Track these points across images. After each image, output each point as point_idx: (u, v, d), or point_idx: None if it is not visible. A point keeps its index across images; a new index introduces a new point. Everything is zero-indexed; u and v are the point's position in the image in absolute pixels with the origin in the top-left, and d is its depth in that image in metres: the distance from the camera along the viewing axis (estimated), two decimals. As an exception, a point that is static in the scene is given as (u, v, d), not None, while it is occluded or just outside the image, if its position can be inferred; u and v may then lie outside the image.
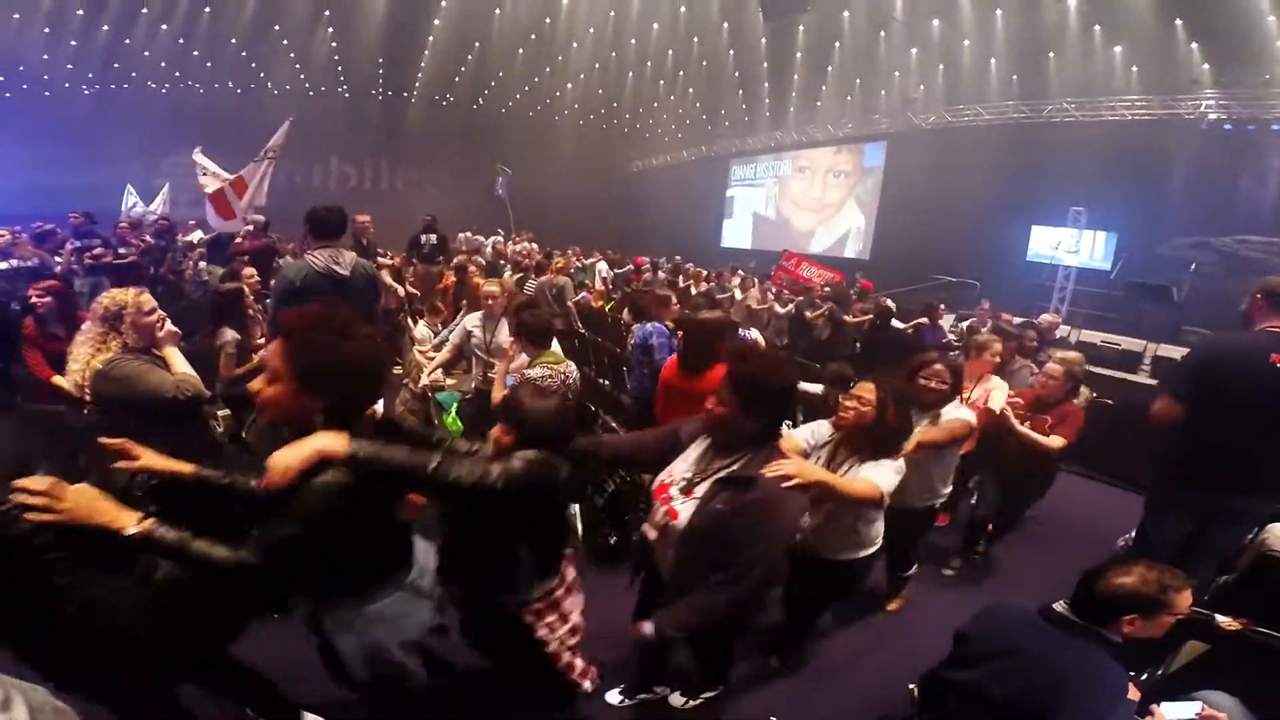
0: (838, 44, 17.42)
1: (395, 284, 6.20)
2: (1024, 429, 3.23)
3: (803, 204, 19.45)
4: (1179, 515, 2.64)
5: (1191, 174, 11.81)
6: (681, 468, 1.87)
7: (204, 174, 7.90)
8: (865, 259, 16.49)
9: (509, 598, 1.79)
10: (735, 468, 1.73)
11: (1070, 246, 10.90)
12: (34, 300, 3.59)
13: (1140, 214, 11.47)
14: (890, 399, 2.23)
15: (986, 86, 14.95)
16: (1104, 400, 5.06)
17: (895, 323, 6.96)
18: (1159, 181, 12.00)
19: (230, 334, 3.63)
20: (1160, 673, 2.19)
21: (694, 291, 8.64)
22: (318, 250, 3.29)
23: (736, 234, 21.55)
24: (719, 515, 1.66)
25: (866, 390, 2.28)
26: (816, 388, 3.88)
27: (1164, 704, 1.61)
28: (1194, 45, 11.91)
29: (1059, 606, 1.62)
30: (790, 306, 7.87)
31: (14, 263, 5.25)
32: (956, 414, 2.83)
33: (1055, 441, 3.21)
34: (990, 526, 3.76)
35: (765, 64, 19.21)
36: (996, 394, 3.35)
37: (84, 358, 2.44)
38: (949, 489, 2.99)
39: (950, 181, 14.26)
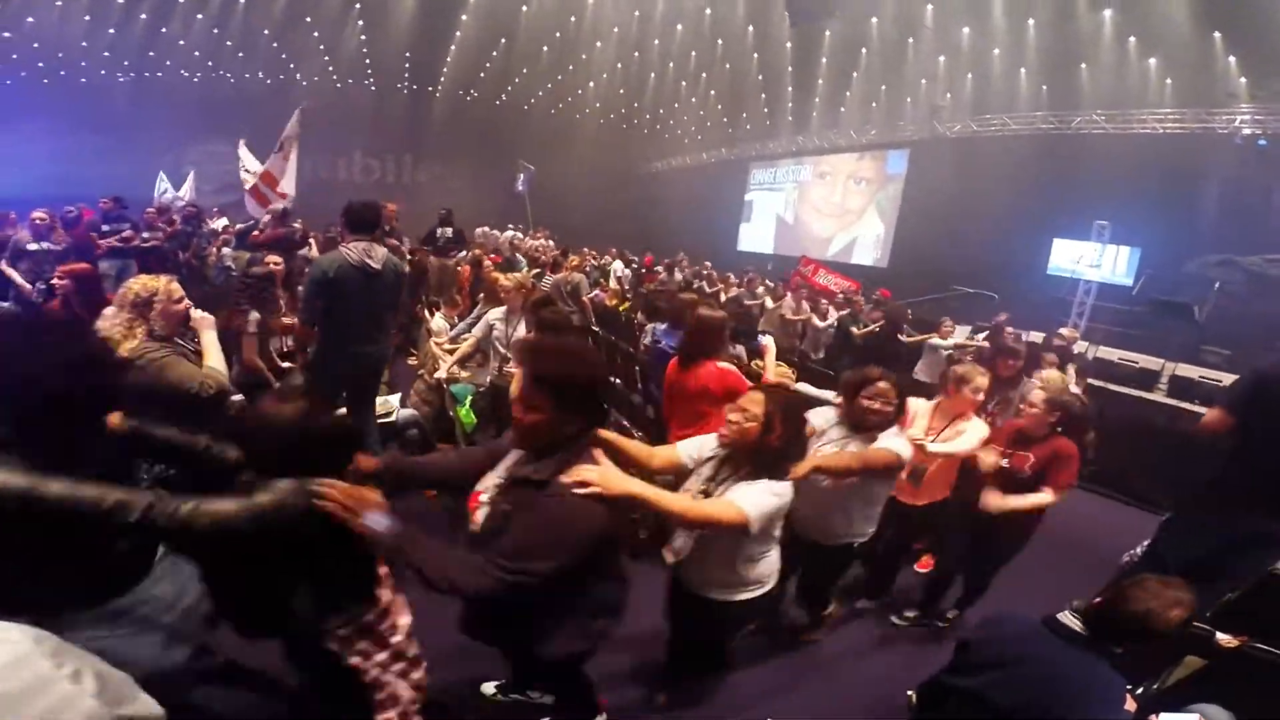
0: (864, 50, 17.28)
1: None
2: (1011, 501, 2.67)
3: (822, 209, 19.34)
4: (1202, 538, 2.59)
5: (1223, 190, 11.56)
6: (493, 476, 1.71)
7: (245, 170, 8.12)
8: (883, 267, 16.38)
9: (303, 628, 1.58)
10: (529, 470, 1.57)
11: (1092, 261, 10.72)
12: (54, 283, 3.70)
13: (1166, 230, 11.25)
14: (779, 413, 1.91)
15: (1015, 96, 14.74)
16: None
17: (901, 337, 7.00)
18: (1188, 197, 11.75)
19: (254, 315, 3.71)
20: (1157, 686, 2.19)
21: (723, 298, 8.70)
22: (352, 244, 3.36)
23: (754, 238, 21.47)
24: (503, 515, 1.55)
25: (753, 402, 1.94)
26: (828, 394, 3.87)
27: (1162, 715, 1.64)
28: (1232, 58, 11.64)
29: (1065, 618, 1.62)
30: (833, 319, 7.77)
31: (44, 245, 5.39)
32: (887, 442, 2.44)
33: (1043, 499, 2.70)
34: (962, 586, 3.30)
35: (790, 68, 19.10)
36: (967, 437, 2.79)
37: (112, 344, 2.42)
38: (872, 528, 2.65)
39: (973, 191, 14.10)
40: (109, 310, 2.55)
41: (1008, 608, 1.84)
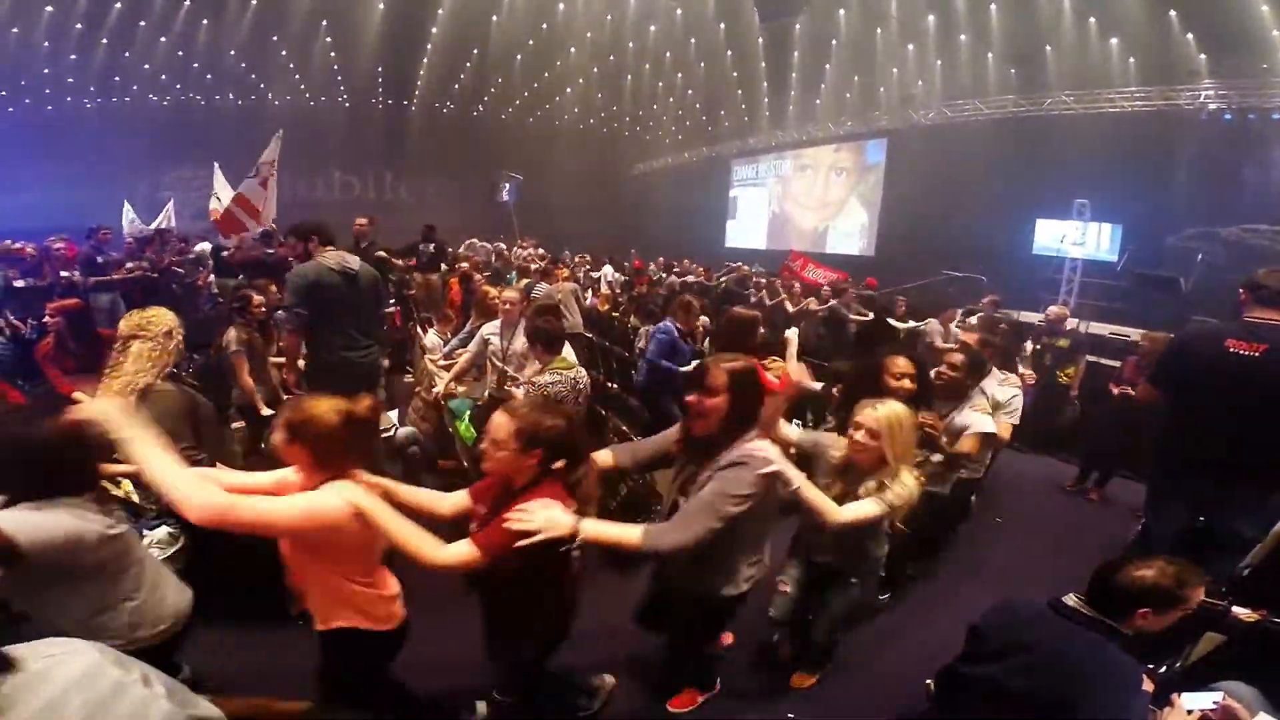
0: (834, 42, 17.41)
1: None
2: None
3: (805, 203, 19.44)
4: (1175, 506, 2.66)
5: (1195, 165, 11.75)
6: None
7: (215, 197, 8.01)
8: (870, 255, 16.49)
9: None
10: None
11: (1075, 239, 10.88)
12: (46, 321, 3.63)
13: (1145, 205, 11.43)
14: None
15: (985, 81, 14.92)
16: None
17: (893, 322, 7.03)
18: (1163, 173, 11.95)
19: (232, 332, 3.72)
20: (1179, 664, 2.19)
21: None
22: (327, 253, 3.54)
23: (740, 234, 21.54)
24: None
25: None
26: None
27: (1184, 694, 1.63)
28: (1189, 36, 11.86)
29: (1070, 600, 1.64)
30: (823, 308, 7.89)
31: (31, 281, 5.28)
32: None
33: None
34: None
35: (763, 64, 19.20)
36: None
37: (132, 368, 2.47)
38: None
39: (953, 176, 14.24)
40: (133, 344, 2.51)
41: (1018, 590, 1.88)
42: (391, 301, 6.52)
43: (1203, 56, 11.80)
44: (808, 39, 17.98)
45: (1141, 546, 2.84)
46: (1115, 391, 4.72)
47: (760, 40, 18.65)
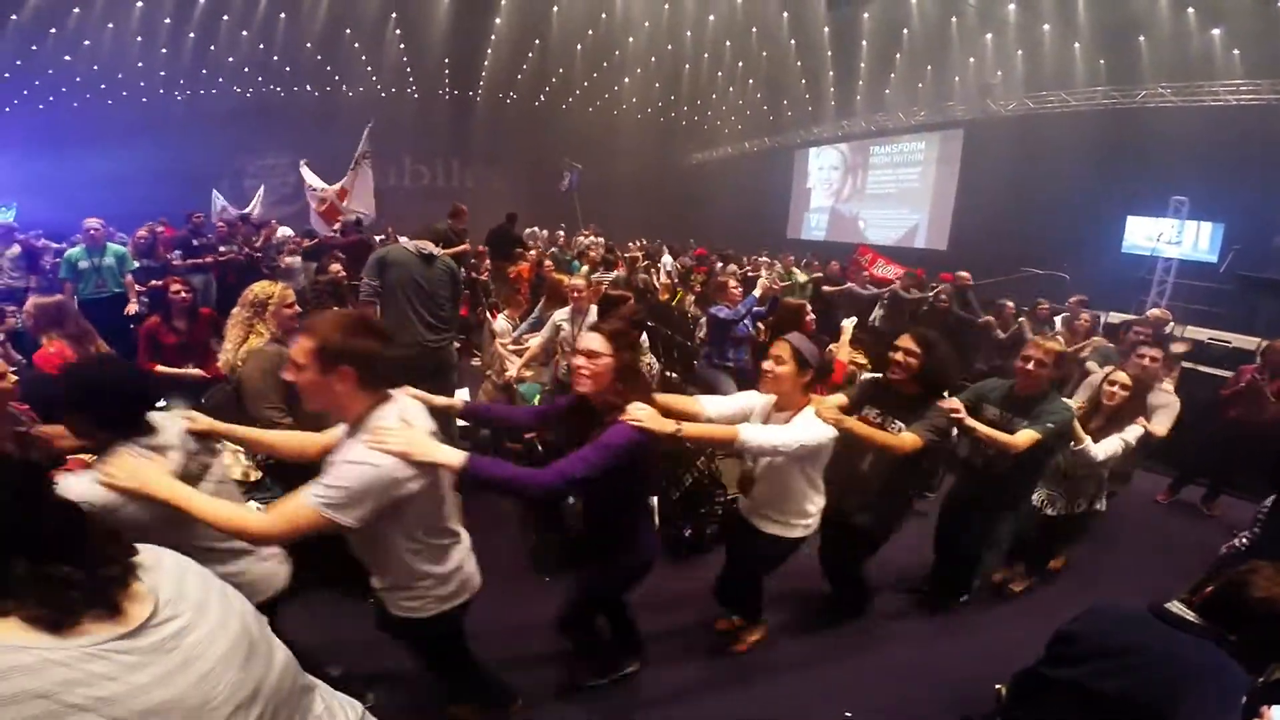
0: (905, 31, 16.76)
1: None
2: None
3: (874, 195, 18.86)
4: None
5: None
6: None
7: (311, 191, 8.39)
8: (942, 249, 15.85)
9: None
10: None
11: (1171, 238, 10.15)
12: (179, 294, 3.88)
13: (1250, 204, 10.52)
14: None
15: (1071, 72, 14.08)
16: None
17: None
18: (1270, 170, 10.98)
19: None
20: (1261, 680, 2.06)
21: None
22: (411, 240, 4.00)
23: (804, 225, 21.08)
24: None
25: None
26: None
27: (1274, 707, 1.56)
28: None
29: (1175, 607, 1.58)
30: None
31: (146, 262, 5.70)
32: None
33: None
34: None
35: (829, 53, 18.68)
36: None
37: (236, 339, 2.78)
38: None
39: (1035, 170, 13.51)
40: (235, 311, 2.88)
41: (1103, 595, 1.81)
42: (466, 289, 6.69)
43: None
44: (877, 28, 17.35)
45: (1260, 555, 2.67)
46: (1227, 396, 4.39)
47: (826, 30, 18.13)
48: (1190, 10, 12.09)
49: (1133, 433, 2.99)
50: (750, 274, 8.71)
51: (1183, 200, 10.02)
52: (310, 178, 8.63)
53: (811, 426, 2.22)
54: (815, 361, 2.33)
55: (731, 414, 2.41)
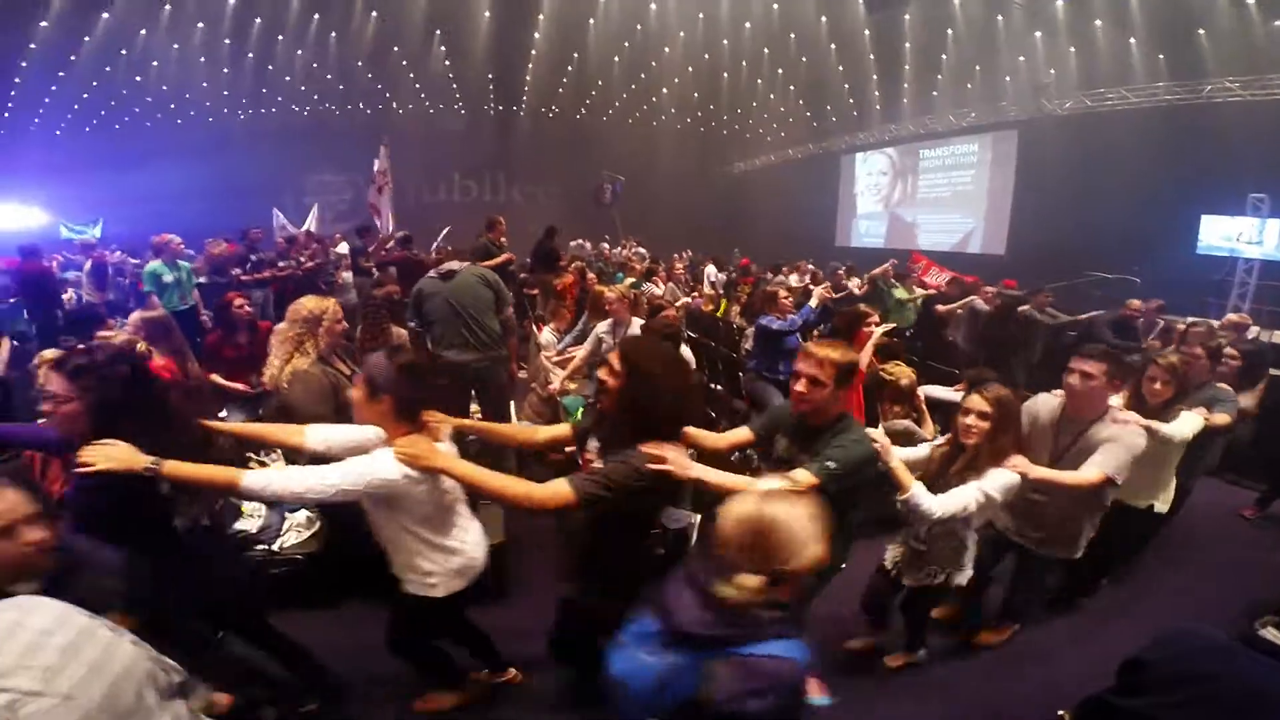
0: (949, 31, 16.30)
1: None
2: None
3: (925, 199, 18.38)
4: None
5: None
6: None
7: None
8: (1000, 254, 15.31)
9: None
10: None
11: (1251, 237, 9.52)
12: (243, 308, 4.03)
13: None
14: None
15: (1128, 68, 13.52)
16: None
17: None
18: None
19: (399, 331, 3.96)
20: None
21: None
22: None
23: (854, 232, 20.71)
24: None
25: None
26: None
27: None
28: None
29: (1269, 633, 1.46)
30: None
31: (216, 279, 5.99)
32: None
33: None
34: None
35: (871, 56, 18.30)
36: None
37: (284, 355, 2.75)
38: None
39: (1095, 170, 12.95)
40: (281, 326, 2.84)
41: (1179, 619, 1.65)
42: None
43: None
44: (919, 29, 16.92)
45: None
46: None
47: (867, 32, 17.78)
48: (1251, 1, 11.45)
49: (996, 481, 2.23)
50: (810, 284, 8.45)
51: (1262, 198, 9.39)
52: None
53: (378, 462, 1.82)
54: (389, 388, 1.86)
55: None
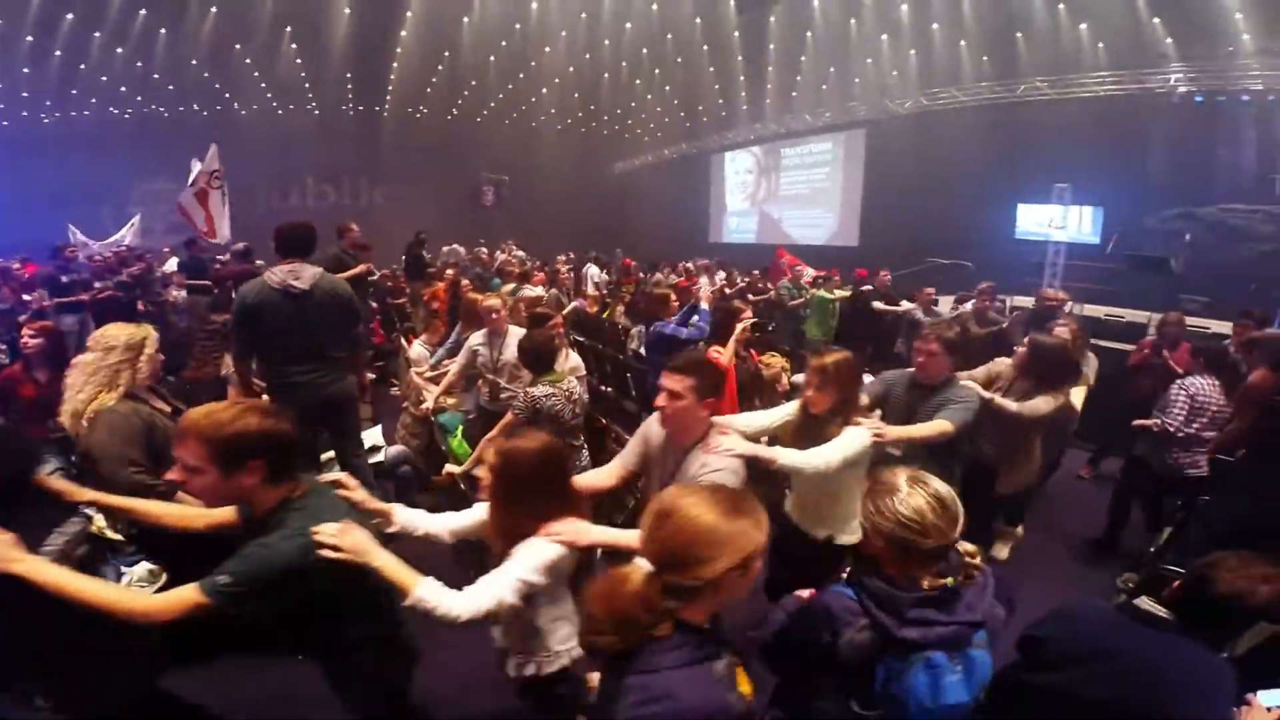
0: (809, 34, 17.41)
1: None
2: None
3: (787, 196, 19.43)
4: (1246, 492, 2.64)
5: (1171, 146, 11.93)
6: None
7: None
8: (854, 245, 16.49)
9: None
10: None
11: (1058, 222, 10.99)
12: (26, 341, 3.38)
13: (1125, 188, 11.59)
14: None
15: (960, 69, 15.03)
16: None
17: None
18: (1140, 155, 12.13)
19: (227, 356, 3.52)
20: (1227, 655, 2.12)
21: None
22: (277, 267, 3.24)
23: (725, 229, 21.49)
24: None
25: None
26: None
27: (1260, 693, 1.56)
28: (1156, 20, 12.01)
29: (1147, 605, 1.55)
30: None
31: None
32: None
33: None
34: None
35: (740, 57, 19.15)
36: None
37: (93, 391, 2.33)
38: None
39: (933, 165, 14.33)
40: (87, 358, 2.38)
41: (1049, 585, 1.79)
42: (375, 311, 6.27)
43: (1169, 40, 11.92)
44: (783, 31, 17.95)
45: (1197, 532, 2.86)
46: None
47: (736, 34, 18.57)
48: (1061, 5, 13.11)
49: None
50: (725, 288, 8.75)
51: (1065, 187, 10.89)
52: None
53: None
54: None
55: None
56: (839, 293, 7.96)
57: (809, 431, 2.39)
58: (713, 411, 2.11)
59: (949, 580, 1.36)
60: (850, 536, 2.43)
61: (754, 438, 2.36)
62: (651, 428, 2.25)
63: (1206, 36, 11.25)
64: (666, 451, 2.16)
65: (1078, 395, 3.49)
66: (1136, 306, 8.19)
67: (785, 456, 2.13)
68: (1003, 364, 3.43)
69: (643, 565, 1.18)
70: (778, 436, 2.53)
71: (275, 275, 3.20)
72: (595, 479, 2.28)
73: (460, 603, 1.49)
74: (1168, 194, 11.73)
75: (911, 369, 2.94)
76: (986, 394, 3.03)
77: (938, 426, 2.58)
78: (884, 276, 7.90)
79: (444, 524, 1.90)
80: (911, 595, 1.35)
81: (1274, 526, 2.41)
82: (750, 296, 8.22)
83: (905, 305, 7.38)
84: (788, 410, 2.58)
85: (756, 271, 8.99)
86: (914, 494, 1.37)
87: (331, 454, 3.72)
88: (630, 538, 1.65)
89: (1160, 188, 11.84)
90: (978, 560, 1.44)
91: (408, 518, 1.87)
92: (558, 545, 1.67)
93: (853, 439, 2.27)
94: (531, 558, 1.63)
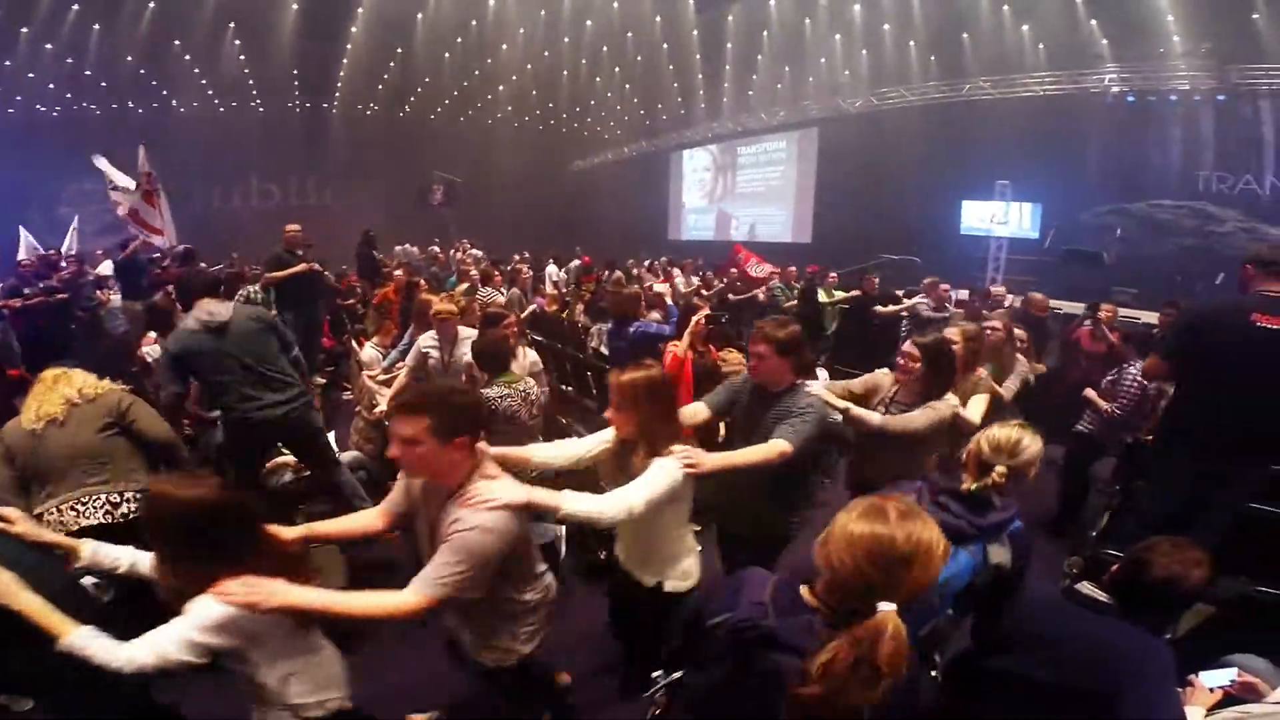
0: (765, 33, 17.63)
1: None
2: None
3: (743, 194, 19.67)
4: (1180, 481, 2.66)
5: (1104, 145, 12.46)
6: None
7: (113, 189, 7.32)
8: (806, 242, 16.81)
9: None
10: None
11: (1000, 218, 11.43)
12: None
13: (1061, 185, 12.10)
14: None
15: (908, 68, 15.38)
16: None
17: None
18: (1075, 153, 12.63)
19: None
20: (1169, 638, 2.22)
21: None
22: (191, 313, 3.20)
23: (684, 227, 21.63)
24: None
25: None
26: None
27: (1201, 673, 1.63)
28: (1093, 21, 12.48)
29: (1088, 590, 1.60)
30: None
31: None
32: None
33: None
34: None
35: (698, 56, 19.27)
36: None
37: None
38: None
39: (883, 163, 14.68)
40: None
41: None
42: (327, 316, 6.11)
43: (1105, 41, 12.40)
44: (741, 30, 18.13)
45: (1133, 521, 2.89)
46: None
47: (695, 32, 18.68)
48: (1005, 7, 13.52)
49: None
50: (701, 288, 8.67)
51: (1006, 184, 11.34)
52: (111, 172, 7.50)
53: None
54: None
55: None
56: (838, 294, 7.73)
57: (623, 462, 2.08)
58: (470, 450, 1.67)
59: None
60: (679, 582, 2.11)
61: (569, 468, 2.16)
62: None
63: (1140, 38, 11.72)
64: (428, 496, 1.77)
65: (977, 406, 2.93)
66: (1072, 299, 8.58)
67: (571, 504, 1.76)
68: (883, 374, 2.94)
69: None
70: (598, 468, 2.22)
71: (192, 319, 3.15)
72: (364, 521, 1.95)
73: (123, 654, 1.37)
74: (1101, 190, 12.30)
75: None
76: (841, 404, 2.56)
77: (774, 448, 2.16)
78: (832, 278, 7.81)
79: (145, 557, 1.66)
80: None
81: (1187, 517, 2.52)
82: (731, 296, 8.24)
83: (907, 302, 6.86)
84: (607, 436, 2.16)
85: (735, 270, 8.94)
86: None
87: (279, 460, 3.65)
88: (340, 598, 1.55)
89: (1094, 184, 12.40)
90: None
91: (100, 552, 1.65)
92: (228, 607, 1.41)
93: (659, 475, 1.89)
94: (205, 614, 1.41)
